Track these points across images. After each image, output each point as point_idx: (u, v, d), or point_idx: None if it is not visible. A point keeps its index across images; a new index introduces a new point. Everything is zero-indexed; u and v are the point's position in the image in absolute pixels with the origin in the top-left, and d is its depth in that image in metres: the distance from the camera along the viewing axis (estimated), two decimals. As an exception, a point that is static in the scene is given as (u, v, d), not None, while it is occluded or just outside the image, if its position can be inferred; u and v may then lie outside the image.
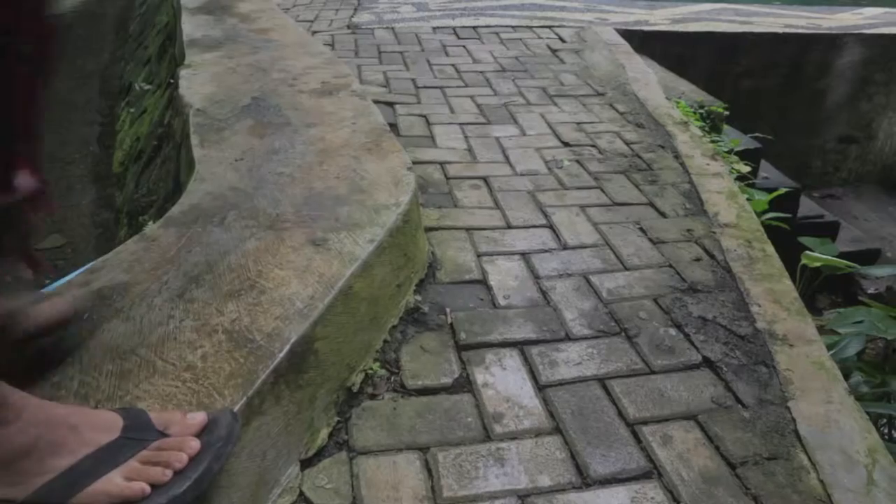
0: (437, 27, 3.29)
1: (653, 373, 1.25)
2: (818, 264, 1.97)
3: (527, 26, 3.22)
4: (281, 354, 1.01)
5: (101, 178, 3.60)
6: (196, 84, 2.11)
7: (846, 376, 1.74)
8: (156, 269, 1.20)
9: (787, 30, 3.89)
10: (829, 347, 1.71)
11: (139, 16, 6.80)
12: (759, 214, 2.18)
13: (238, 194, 1.42)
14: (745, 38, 3.78)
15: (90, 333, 1.02)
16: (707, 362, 1.29)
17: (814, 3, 5.77)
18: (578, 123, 2.22)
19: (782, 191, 2.34)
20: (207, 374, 0.96)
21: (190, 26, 2.89)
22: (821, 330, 1.93)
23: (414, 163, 1.88)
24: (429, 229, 1.58)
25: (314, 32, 3.21)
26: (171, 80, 2.64)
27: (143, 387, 0.93)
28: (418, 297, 1.38)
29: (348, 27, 3.32)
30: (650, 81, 2.59)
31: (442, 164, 1.91)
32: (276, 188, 1.43)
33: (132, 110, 3.97)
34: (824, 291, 3.04)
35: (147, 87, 3.96)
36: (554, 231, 1.63)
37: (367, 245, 1.24)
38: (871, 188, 4.44)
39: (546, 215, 1.68)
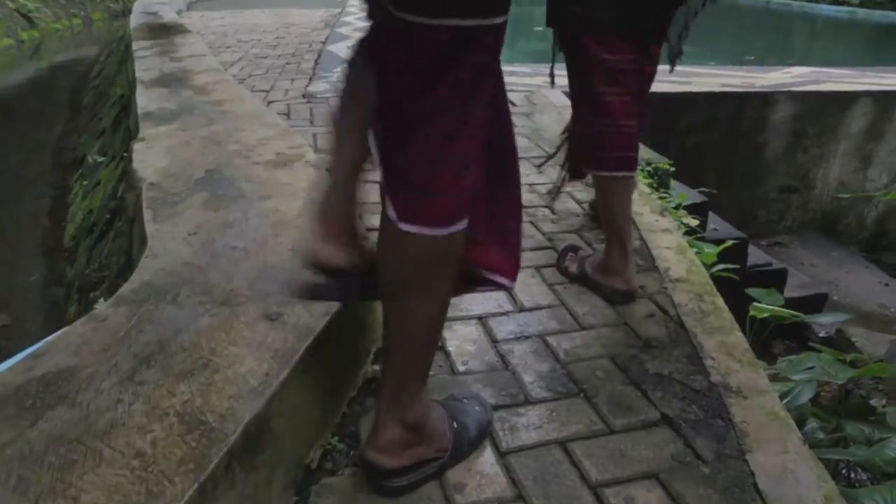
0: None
1: (613, 433, 1.26)
2: (766, 315, 2.04)
3: (478, 92, 3.33)
4: (234, 436, 0.98)
5: (52, 252, 3.52)
6: (150, 158, 2.11)
7: (802, 423, 1.78)
8: (105, 350, 1.17)
9: (724, 89, 4.12)
10: (784, 395, 1.76)
11: (93, 87, 6.81)
12: (709, 266, 2.25)
13: (191, 270, 1.41)
14: (686, 97, 3.98)
15: (31, 423, 0.99)
16: (665, 419, 1.30)
17: (746, 64, 6.14)
18: (531, 185, 2.28)
19: (729, 243, 2.42)
20: (157, 460, 0.93)
21: (145, 99, 2.91)
22: (774, 378, 1.98)
23: (370, 230, 1.90)
24: (386, 296, 1.59)
25: (270, 102, 3.26)
26: (125, 154, 2.63)
27: (89, 478, 0.89)
28: (376, 367, 1.37)
29: (304, 96, 3.38)
30: (598, 142, 2.68)
31: (398, 230, 1.93)
32: (230, 263, 1.43)
33: (85, 182, 3.93)
34: (779, 337, 3.12)
35: (101, 159, 3.93)
36: (510, 294, 1.66)
37: (322, 317, 1.23)
38: (814, 234, 4.63)
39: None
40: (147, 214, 1.68)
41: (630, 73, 1.57)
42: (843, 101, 4.29)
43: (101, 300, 1.87)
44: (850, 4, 14.48)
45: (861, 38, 12.12)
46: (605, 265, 1.67)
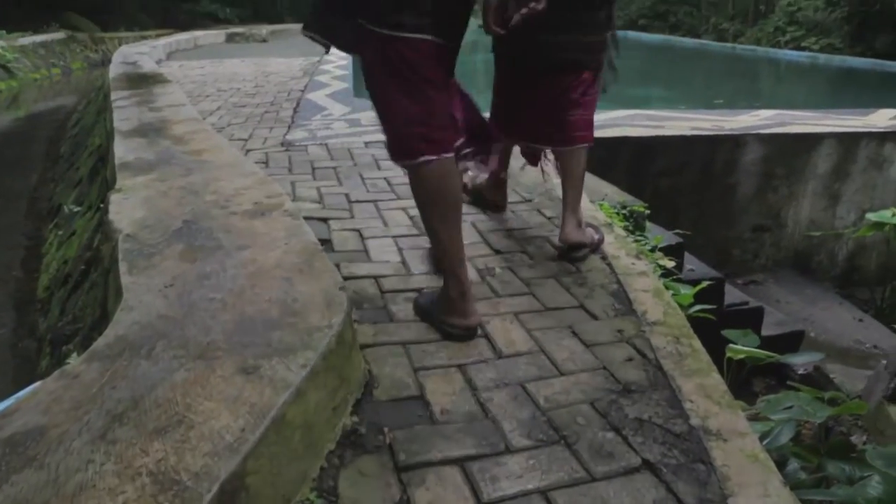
0: (370, 142, 3.42)
1: (594, 480, 1.25)
2: (742, 356, 2.06)
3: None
4: (209, 495, 0.96)
5: (24, 303, 3.45)
6: (126, 209, 2.11)
7: (783, 463, 1.78)
8: (76, 408, 1.14)
9: (695, 132, 4.23)
10: (764, 436, 1.76)
11: (71, 137, 6.81)
12: (686, 308, 2.28)
13: (167, 323, 1.40)
14: (659, 140, 4.08)
15: (-1, 489, 0.96)
16: (647, 465, 1.30)
17: (716, 107, 6.33)
18: (508, 230, 2.31)
19: (705, 284, 2.46)
20: (128, 524, 0.90)
21: (123, 149, 2.92)
22: (754, 418, 1.99)
23: (348, 278, 1.90)
24: (364, 346, 1.58)
25: (248, 151, 3.28)
26: (102, 204, 2.62)
27: (56, 545, 0.87)
28: (355, 419, 1.35)
29: (282, 144, 3.41)
30: (573, 186, 2.73)
31: (377, 277, 1.94)
32: (206, 315, 1.41)
33: (60, 233, 3.89)
34: (759, 375, 3.14)
35: (77, 209, 3.90)
36: (489, 340, 1.66)
37: (299, 370, 1.22)
38: (788, 272, 4.70)
39: (481, 324, 1.70)
40: (123, 266, 1.67)
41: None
42: (809, 142, 4.43)
43: (74, 354, 1.83)
44: (811, 50, 15.07)
45: (822, 81, 12.58)
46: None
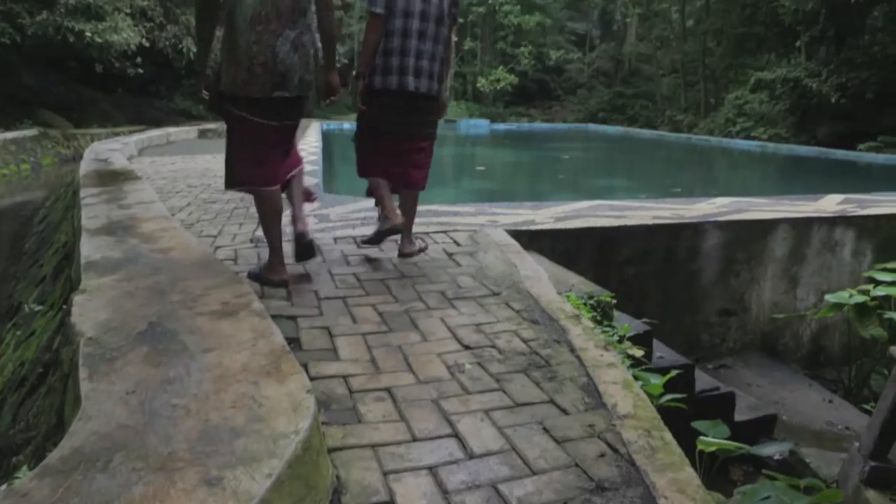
0: (339, 237, 3.46)
1: (571, 589, 1.20)
2: (713, 448, 2.05)
3: (424, 232, 3.45)
4: None
5: (-25, 409, 3.29)
6: (90, 310, 2.07)
7: (764, 558, 1.75)
8: (24, 532, 1.08)
9: (656, 221, 4.37)
10: (743, 531, 1.73)
11: (37, 233, 6.73)
12: (656, 398, 2.28)
13: (127, 432, 1.35)
14: (622, 230, 4.20)
15: None
16: (624, 569, 1.26)
17: (674, 195, 6.59)
18: (477, 325, 2.32)
19: (674, 373, 2.47)
20: None
21: (89, 248, 2.90)
22: (732, 511, 1.96)
23: (316, 378, 1.87)
24: (332, 450, 1.54)
25: (217, 248, 3.29)
26: (65, 305, 2.57)
27: None
28: (323, 529, 1.30)
29: (251, 241, 3.43)
30: (541, 278, 2.79)
31: (345, 377, 1.91)
32: (169, 423, 1.37)
33: (19, 332, 3.77)
34: (735, 462, 3.12)
35: (38, 308, 3.81)
36: (460, 440, 1.63)
37: (264, 480, 1.18)
38: (756, 355, 4.76)
39: (451, 424, 1.68)
40: (83, 372, 1.63)
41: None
42: (765, 227, 4.61)
43: (25, 468, 1.74)
44: (760, 139, 15.95)
45: (773, 168, 13.26)
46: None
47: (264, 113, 2.54)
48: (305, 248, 2.78)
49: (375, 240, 3.16)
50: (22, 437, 2.28)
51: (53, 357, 2.59)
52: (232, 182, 2.76)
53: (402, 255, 3.10)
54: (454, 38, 3.15)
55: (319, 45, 2.66)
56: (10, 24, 13.42)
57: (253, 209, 4.70)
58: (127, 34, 14.28)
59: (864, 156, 12.59)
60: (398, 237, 3.12)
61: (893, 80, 13.69)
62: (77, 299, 2.20)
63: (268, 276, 2.71)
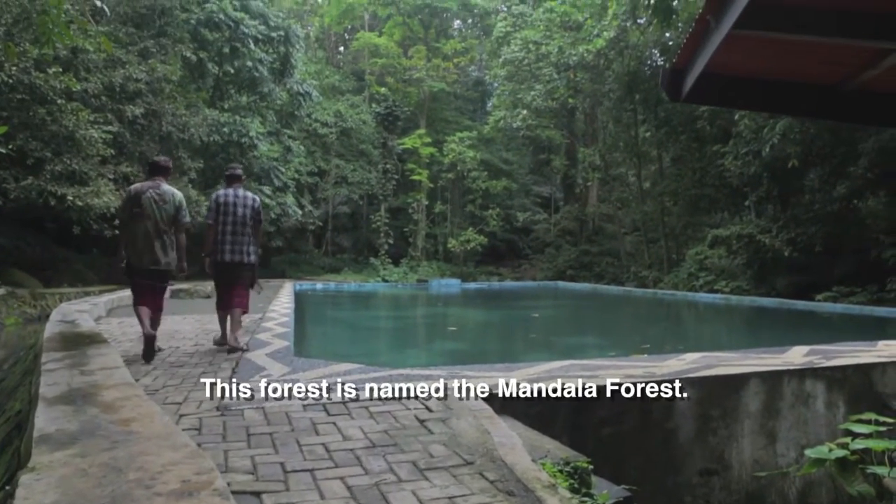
0: (308, 404, 3.37)
1: None
2: None
3: (395, 398, 3.39)
4: None
5: None
6: (36, 492, 1.94)
7: None
8: None
9: (629, 380, 4.37)
10: None
11: (-11, 401, 6.41)
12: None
13: None
14: (596, 391, 4.17)
15: None
16: None
17: (643, 351, 6.65)
18: (450, 498, 2.22)
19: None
20: None
21: (44, 419, 2.77)
22: None
23: (279, 566, 1.74)
24: None
25: (182, 416, 3.17)
26: (8, 487, 2.40)
27: None
28: None
29: (217, 409, 3.32)
30: (516, 445, 2.72)
31: (311, 562, 1.78)
32: None
33: (-46, 517, 3.45)
34: None
35: (-21, 488, 3.53)
36: None
37: None
38: (742, 517, 4.56)
39: None
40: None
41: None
42: (736, 383, 4.63)
43: None
44: (723, 292, 16.50)
45: (738, 320, 13.59)
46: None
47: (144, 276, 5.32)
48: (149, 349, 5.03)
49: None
50: None
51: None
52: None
53: (231, 349, 5.52)
54: (261, 231, 6.02)
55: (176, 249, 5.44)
56: (-6, 190, 13.76)
57: (223, 373, 4.69)
58: (108, 198, 14.66)
59: (822, 305, 13.06)
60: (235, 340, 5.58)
61: (837, 234, 14.61)
62: (23, 479, 2.06)
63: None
